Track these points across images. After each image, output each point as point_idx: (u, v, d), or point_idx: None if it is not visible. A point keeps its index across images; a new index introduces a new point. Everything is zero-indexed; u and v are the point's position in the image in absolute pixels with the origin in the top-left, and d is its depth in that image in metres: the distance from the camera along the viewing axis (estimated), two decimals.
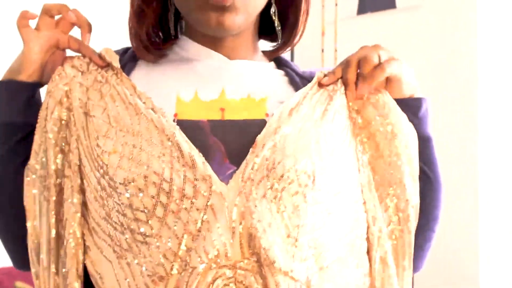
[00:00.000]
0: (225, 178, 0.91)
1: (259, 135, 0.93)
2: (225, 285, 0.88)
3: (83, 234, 0.96)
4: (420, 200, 1.04)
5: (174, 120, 0.95)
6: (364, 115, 1.03)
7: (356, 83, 1.02)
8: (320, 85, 1.02)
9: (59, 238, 0.97)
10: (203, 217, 0.88)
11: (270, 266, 0.88)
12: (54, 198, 0.97)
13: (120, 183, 0.90)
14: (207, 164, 0.90)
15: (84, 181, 0.97)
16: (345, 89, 1.03)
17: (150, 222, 0.89)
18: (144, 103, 0.95)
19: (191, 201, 0.89)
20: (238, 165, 0.92)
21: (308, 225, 0.91)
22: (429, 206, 1.07)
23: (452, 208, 2.55)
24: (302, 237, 0.91)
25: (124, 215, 0.91)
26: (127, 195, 0.90)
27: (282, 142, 0.93)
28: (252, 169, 0.91)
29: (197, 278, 0.87)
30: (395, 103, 1.03)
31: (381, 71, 1.00)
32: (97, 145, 0.94)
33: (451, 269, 2.64)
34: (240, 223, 0.89)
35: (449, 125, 2.54)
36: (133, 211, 0.90)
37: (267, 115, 0.99)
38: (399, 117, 1.03)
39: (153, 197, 0.89)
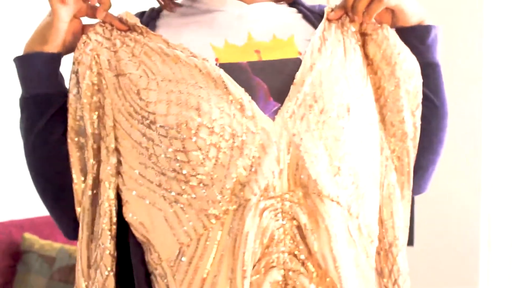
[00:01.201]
0: (271, 115, 0.95)
1: (297, 72, 0.98)
2: (273, 215, 0.94)
3: (117, 194, 1.00)
4: (425, 124, 1.09)
5: (216, 64, 0.99)
6: (367, 51, 1.07)
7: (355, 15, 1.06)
8: (329, 20, 1.06)
9: (95, 198, 1.02)
10: (253, 153, 0.93)
11: (318, 194, 0.94)
12: (91, 161, 1.01)
13: (171, 129, 0.94)
14: (253, 102, 0.95)
15: (121, 140, 1.00)
16: (350, 22, 1.07)
17: (204, 163, 0.93)
18: (181, 52, 0.99)
19: (241, 139, 0.93)
20: (281, 102, 0.96)
21: (347, 154, 0.97)
22: (434, 130, 1.12)
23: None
24: (343, 166, 0.97)
25: (176, 160, 0.94)
26: (180, 139, 0.93)
27: (319, 78, 0.98)
28: (295, 104, 0.96)
29: (250, 210, 0.92)
30: (396, 37, 1.07)
31: (378, 3, 1.03)
32: (140, 99, 0.97)
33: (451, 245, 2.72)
34: (288, 155, 0.94)
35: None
36: (186, 155, 0.93)
37: (299, 53, 1.03)
38: (400, 52, 1.06)
39: (205, 138, 0.92)
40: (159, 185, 0.96)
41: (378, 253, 1.05)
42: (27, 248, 2.36)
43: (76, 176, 1.02)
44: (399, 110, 1.07)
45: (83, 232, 1.02)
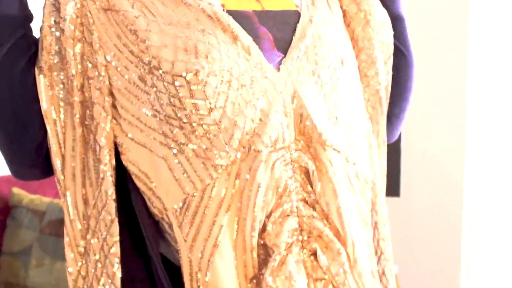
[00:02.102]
0: (275, 65, 0.96)
1: (298, 24, 1.00)
2: (284, 165, 0.94)
3: (115, 137, 0.96)
4: (396, 73, 1.13)
5: (223, 11, 0.96)
6: (341, 3, 1.09)
7: None
8: None
9: (86, 142, 0.97)
10: (261, 103, 0.93)
11: (322, 143, 0.96)
12: (77, 98, 0.96)
13: (178, 76, 0.91)
14: (260, 52, 0.95)
15: (114, 82, 0.95)
16: None
17: (212, 112, 0.91)
18: None
19: (249, 89, 0.92)
20: (284, 53, 0.97)
21: (342, 105, 0.99)
22: (404, 78, 1.16)
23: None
24: (340, 116, 0.99)
25: (183, 108, 0.92)
26: (187, 87, 0.91)
27: (317, 30, 1.00)
28: (298, 56, 0.97)
29: (261, 162, 0.92)
30: None
31: None
32: (139, 40, 0.93)
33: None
34: (293, 105, 0.95)
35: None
36: (193, 103, 0.91)
37: (296, 6, 1.04)
38: (374, 4, 1.09)
39: (214, 87, 0.91)
40: (163, 134, 0.94)
41: None
42: (16, 203, 2.36)
43: (49, 114, 0.96)
44: (373, 61, 1.09)
45: (75, 177, 0.97)
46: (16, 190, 2.41)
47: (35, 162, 1.00)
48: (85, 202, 0.98)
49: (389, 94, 1.12)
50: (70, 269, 0.98)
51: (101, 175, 0.95)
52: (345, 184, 0.98)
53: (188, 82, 0.91)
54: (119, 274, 0.96)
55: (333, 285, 0.95)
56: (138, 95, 0.95)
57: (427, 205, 2.76)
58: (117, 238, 0.95)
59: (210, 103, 0.91)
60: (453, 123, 2.69)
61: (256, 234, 0.92)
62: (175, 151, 0.93)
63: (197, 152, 0.92)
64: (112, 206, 0.95)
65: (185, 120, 0.92)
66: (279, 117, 0.94)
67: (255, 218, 0.92)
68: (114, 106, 0.96)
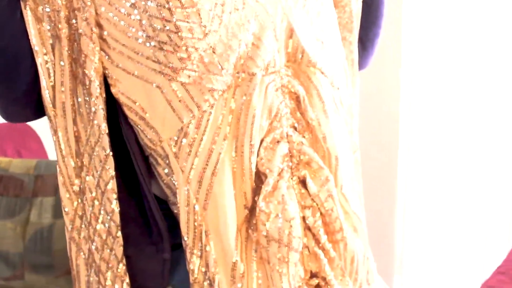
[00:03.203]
0: None
1: None
2: (275, 90, 0.95)
3: (105, 69, 0.94)
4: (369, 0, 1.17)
5: None
6: None
7: None
8: None
9: (75, 77, 0.96)
10: (253, 27, 0.93)
11: (311, 66, 0.98)
12: (64, 31, 0.95)
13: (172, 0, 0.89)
14: None
15: (103, 11, 0.93)
16: None
17: (206, 37, 0.90)
18: None
19: (240, 13, 0.92)
20: None
21: (325, 29, 1.01)
22: (376, 4, 1.20)
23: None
24: (325, 41, 1.01)
25: (177, 33, 0.89)
26: (182, 11, 0.89)
27: None
28: None
29: (256, 85, 0.92)
30: None
31: None
32: None
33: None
34: (283, 30, 0.95)
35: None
36: (189, 28, 0.89)
37: None
38: None
39: (209, 9, 0.90)
40: (157, 61, 0.92)
41: None
42: None
43: (39, 48, 0.95)
44: None
45: (66, 113, 0.96)
46: None
47: (27, 101, 1.00)
48: (77, 139, 0.96)
49: (359, 21, 1.14)
50: (66, 209, 0.98)
51: (93, 109, 0.94)
52: (332, 109, 0.99)
53: (182, 4, 0.89)
54: (117, 210, 0.95)
55: (321, 212, 0.96)
56: (129, 22, 0.92)
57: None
58: (113, 173, 0.94)
59: (204, 26, 0.90)
60: (387, 125, 2.70)
61: (254, 159, 0.92)
62: (169, 78, 0.91)
63: (193, 78, 0.91)
64: (106, 140, 0.94)
65: (179, 45, 0.90)
66: (271, 40, 0.94)
67: (253, 144, 0.92)
68: (101, 37, 0.94)
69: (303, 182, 0.95)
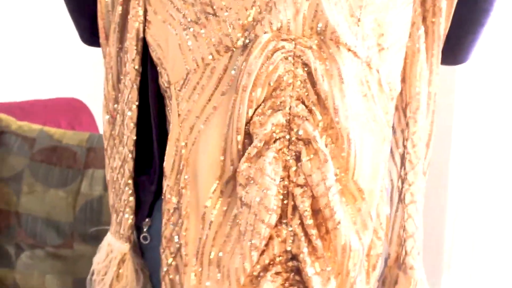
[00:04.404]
0: None
1: None
2: (284, 57, 0.92)
3: (145, 13, 1.02)
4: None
5: None
6: None
7: None
8: None
9: (126, 13, 1.04)
10: None
11: (336, 41, 0.92)
12: None
13: None
14: None
15: None
16: None
17: None
18: None
19: None
20: None
21: (370, 5, 0.95)
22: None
23: None
24: (365, 17, 0.95)
25: None
26: None
27: None
28: None
29: (258, 46, 0.91)
30: None
31: None
32: None
33: None
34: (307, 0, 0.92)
35: None
36: None
37: None
38: None
39: None
40: (178, 10, 0.96)
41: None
42: (4, 128, 2.26)
43: None
44: None
45: (113, 47, 1.05)
46: (3, 115, 2.30)
47: (95, 31, 1.09)
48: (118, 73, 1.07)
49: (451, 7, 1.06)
50: (104, 131, 1.10)
51: (126, 43, 1.03)
52: (358, 90, 0.95)
53: None
54: (133, 137, 1.06)
55: (313, 195, 0.91)
56: None
57: None
58: (136, 103, 1.04)
59: None
60: (440, 122, 2.63)
61: (243, 119, 0.91)
62: (185, 27, 0.96)
63: (204, 31, 0.94)
64: (133, 74, 1.03)
65: (201, 1, 0.94)
66: (288, 7, 0.91)
67: (243, 104, 0.91)
68: None
69: (299, 159, 0.92)
